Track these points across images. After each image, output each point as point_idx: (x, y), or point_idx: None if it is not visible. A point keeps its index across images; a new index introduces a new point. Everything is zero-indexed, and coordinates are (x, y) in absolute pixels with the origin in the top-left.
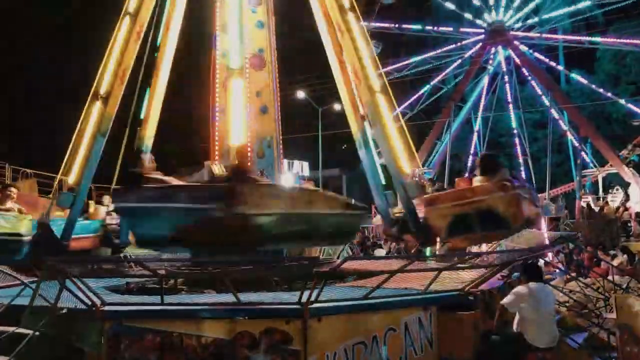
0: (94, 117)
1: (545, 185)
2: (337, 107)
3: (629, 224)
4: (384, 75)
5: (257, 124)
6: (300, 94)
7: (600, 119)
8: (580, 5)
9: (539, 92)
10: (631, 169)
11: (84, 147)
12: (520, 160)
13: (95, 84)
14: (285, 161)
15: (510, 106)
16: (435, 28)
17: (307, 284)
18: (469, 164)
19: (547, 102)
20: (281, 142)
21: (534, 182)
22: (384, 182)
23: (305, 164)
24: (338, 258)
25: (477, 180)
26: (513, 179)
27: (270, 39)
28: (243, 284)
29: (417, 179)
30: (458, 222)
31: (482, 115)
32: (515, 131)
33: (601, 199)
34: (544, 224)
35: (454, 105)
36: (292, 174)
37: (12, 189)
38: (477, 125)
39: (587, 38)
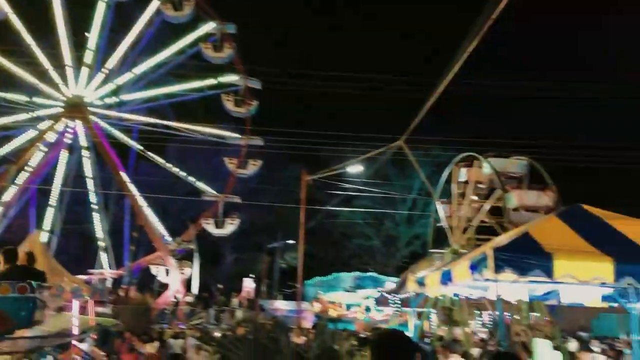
0: None
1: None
2: None
3: (166, 310)
4: None
5: None
6: None
7: (159, 210)
8: (151, 93)
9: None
10: (177, 260)
11: None
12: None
13: None
14: None
15: (89, 182)
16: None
17: None
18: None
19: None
20: None
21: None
22: None
23: None
24: None
25: None
26: None
27: None
28: None
29: None
30: None
31: (60, 189)
32: (95, 207)
33: (136, 286)
34: (75, 308)
35: (15, 170)
36: None
37: None
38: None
39: (161, 121)
